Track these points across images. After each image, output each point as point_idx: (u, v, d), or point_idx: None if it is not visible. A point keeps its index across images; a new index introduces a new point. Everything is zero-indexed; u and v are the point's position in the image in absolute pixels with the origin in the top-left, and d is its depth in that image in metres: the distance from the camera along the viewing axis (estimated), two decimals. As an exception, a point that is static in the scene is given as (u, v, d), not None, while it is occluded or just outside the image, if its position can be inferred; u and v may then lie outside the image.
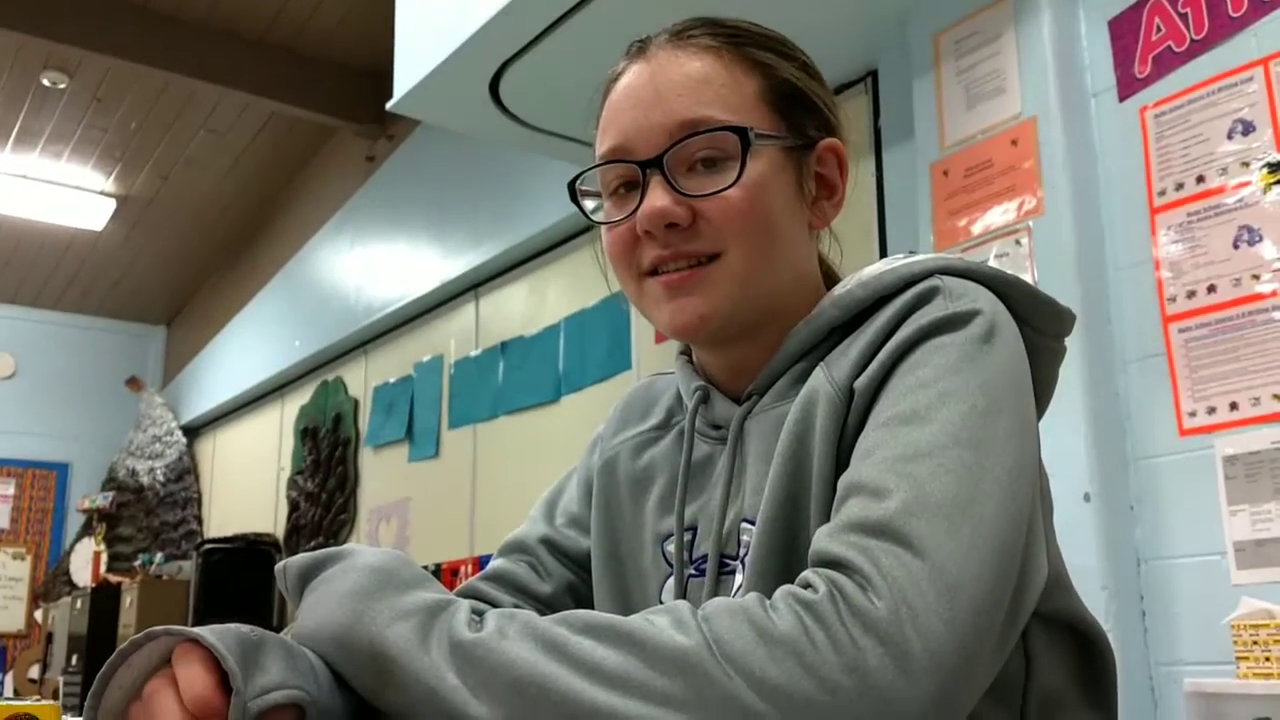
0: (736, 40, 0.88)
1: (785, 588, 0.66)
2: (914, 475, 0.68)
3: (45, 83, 5.08)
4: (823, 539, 0.68)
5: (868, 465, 0.71)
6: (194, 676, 0.62)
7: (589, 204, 0.92)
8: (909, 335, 0.77)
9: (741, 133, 0.83)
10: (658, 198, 0.83)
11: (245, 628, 0.66)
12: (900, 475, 0.68)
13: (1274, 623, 1.68)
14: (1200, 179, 2.00)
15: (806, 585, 0.65)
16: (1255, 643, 1.68)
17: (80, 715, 0.65)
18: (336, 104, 5.07)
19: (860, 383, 0.78)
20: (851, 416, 0.77)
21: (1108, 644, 0.86)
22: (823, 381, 0.80)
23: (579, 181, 0.91)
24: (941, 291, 0.79)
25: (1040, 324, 0.83)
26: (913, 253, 0.88)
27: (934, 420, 0.71)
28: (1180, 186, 2.02)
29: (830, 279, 0.92)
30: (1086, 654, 0.85)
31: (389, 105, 2.81)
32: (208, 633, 0.63)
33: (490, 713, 0.64)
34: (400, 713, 0.68)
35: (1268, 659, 1.66)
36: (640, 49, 0.90)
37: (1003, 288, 0.81)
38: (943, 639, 0.62)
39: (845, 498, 0.70)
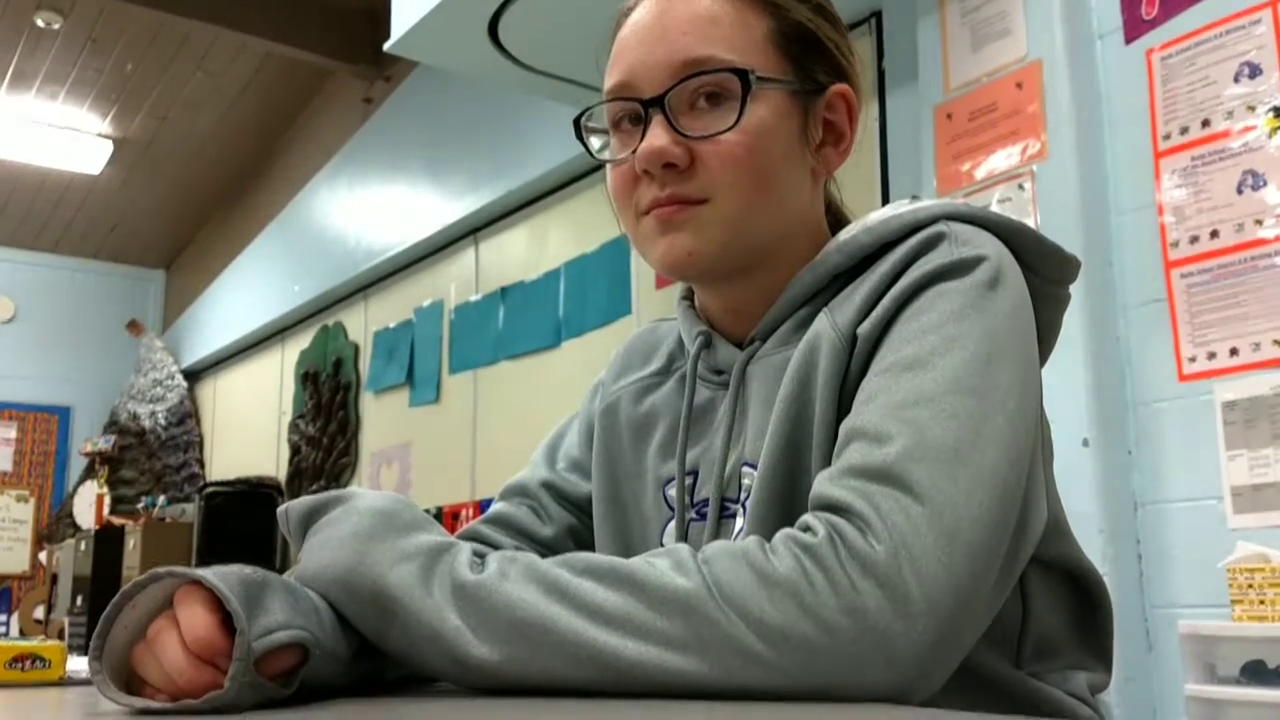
0: None
1: (785, 531, 0.66)
2: (915, 421, 0.68)
3: (39, 23, 5.02)
4: (823, 483, 0.68)
5: (869, 411, 0.71)
6: (196, 617, 0.63)
7: (595, 142, 0.91)
8: (913, 281, 0.77)
9: (743, 75, 0.81)
10: (657, 137, 0.82)
11: (248, 569, 0.66)
12: (902, 421, 0.68)
13: (1269, 567, 1.69)
14: (1205, 123, 1.98)
15: (806, 529, 0.66)
16: (1250, 586, 1.69)
17: (85, 655, 0.65)
18: (333, 45, 5.02)
19: (863, 329, 0.77)
20: (854, 362, 0.77)
21: (1104, 589, 0.87)
22: (826, 327, 0.80)
23: (585, 118, 0.90)
24: (947, 237, 0.78)
25: (1045, 270, 0.83)
26: (916, 198, 0.87)
27: (936, 366, 0.71)
28: (1185, 130, 2.01)
29: (840, 224, 0.92)
30: (1083, 599, 0.86)
31: (386, 46, 2.78)
32: (210, 574, 0.64)
33: (492, 653, 0.65)
34: (403, 654, 0.69)
35: (1262, 602, 1.68)
36: None
37: (1008, 234, 0.81)
38: (941, 582, 0.62)
39: (846, 443, 0.70)
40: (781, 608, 0.61)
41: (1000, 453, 0.68)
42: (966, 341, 0.72)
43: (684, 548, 0.66)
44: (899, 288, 0.77)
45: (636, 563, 0.66)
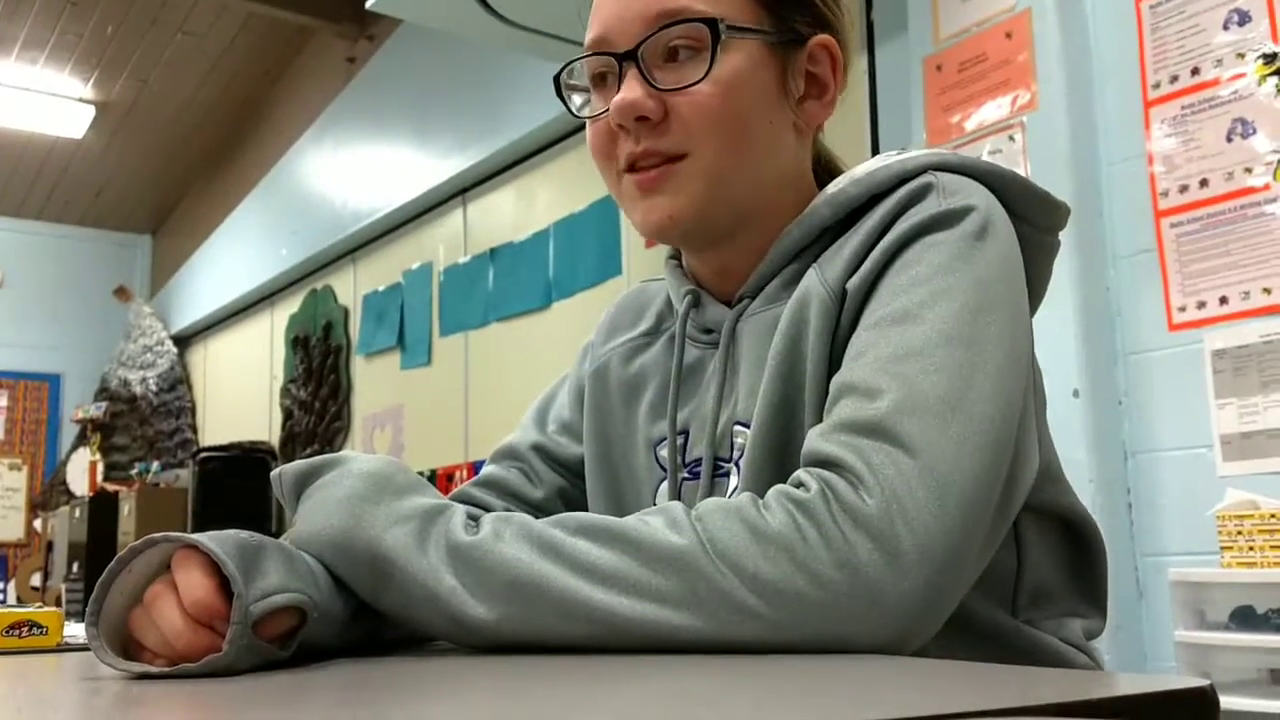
0: None
1: (778, 487, 0.67)
2: (905, 375, 0.68)
3: (16, -14, 4.96)
4: (815, 439, 0.69)
5: (860, 366, 0.71)
6: (194, 581, 0.63)
7: (576, 99, 0.90)
8: (902, 233, 0.76)
9: (711, 23, 0.80)
10: (630, 90, 0.81)
11: (244, 533, 0.66)
12: (892, 375, 0.68)
13: (1258, 513, 1.71)
14: (1195, 71, 1.97)
15: (799, 484, 0.66)
16: (1239, 533, 1.71)
17: (82, 621, 0.66)
18: (315, 3, 4.96)
19: (853, 283, 0.77)
20: (844, 317, 0.77)
21: (1099, 535, 0.88)
22: (815, 283, 0.79)
23: (565, 75, 0.89)
24: (935, 188, 0.78)
25: (1035, 218, 0.83)
26: (904, 149, 0.86)
27: (925, 319, 0.71)
28: (1175, 79, 2.00)
29: (833, 178, 0.91)
30: (1078, 546, 0.87)
31: (369, 4, 2.75)
32: (206, 538, 0.64)
33: (488, 612, 0.65)
34: (400, 615, 0.69)
35: (1251, 548, 1.69)
36: None
37: (997, 183, 0.80)
38: (933, 534, 0.63)
39: (837, 398, 0.70)
40: (775, 563, 0.62)
41: (991, 404, 0.68)
42: (955, 293, 0.72)
43: (677, 505, 0.66)
44: (887, 240, 0.76)
45: (630, 521, 0.66)
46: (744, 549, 0.62)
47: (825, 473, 0.66)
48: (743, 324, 0.86)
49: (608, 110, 0.83)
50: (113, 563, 0.64)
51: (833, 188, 0.85)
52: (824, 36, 0.87)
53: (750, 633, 0.62)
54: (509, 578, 0.65)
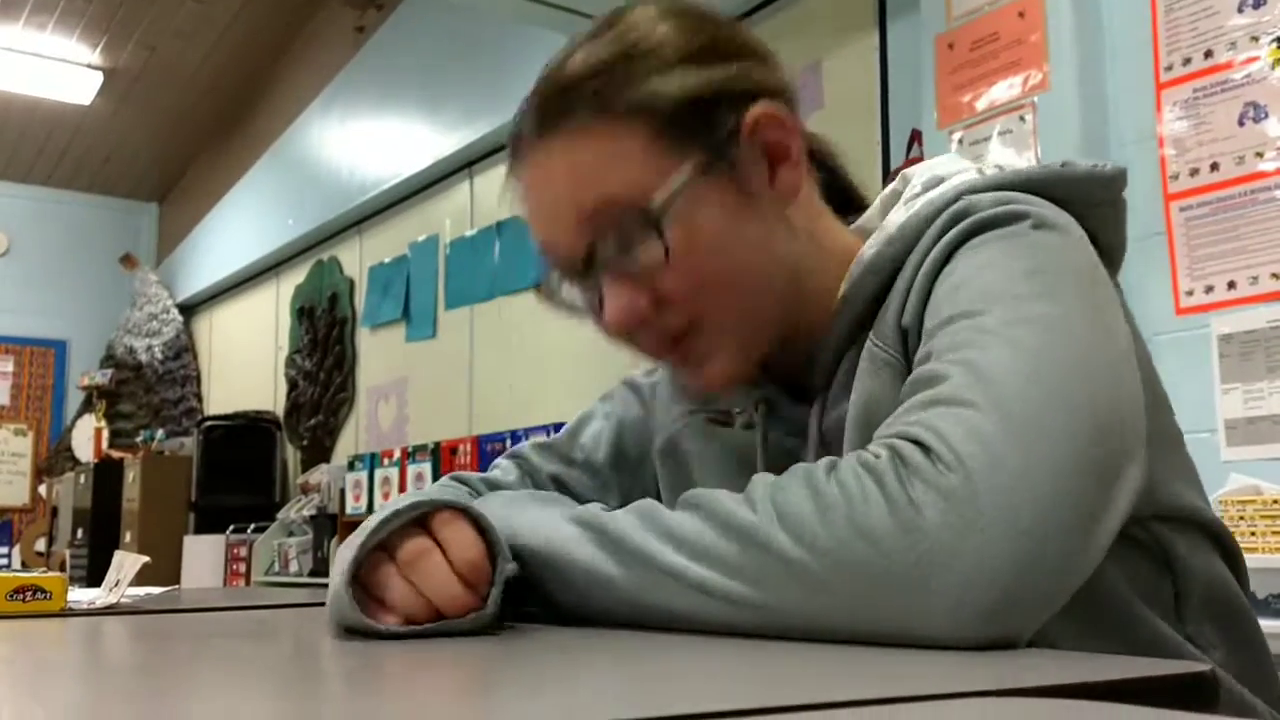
0: (601, 95, 0.75)
1: (851, 454, 0.62)
2: (966, 359, 0.63)
3: (24, -50, 4.93)
4: (884, 426, 0.65)
5: (922, 367, 0.66)
6: (468, 540, 0.65)
7: (564, 289, 0.85)
8: (940, 253, 0.72)
9: (641, 213, 0.74)
10: (612, 304, 0.77)
11: (458, 491, 0.70)
12: (951, 363, 0.64)
13: (1261, 499, 1.71)
14: (1208, 54, 1.96)
15: (872, 453, 0.61)
16: (1242, 518, 1.71)
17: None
18: (325, -27, 4.93)
19: (907, 320, 0.73)
20: (910, 352, 0.72)
21: (1239, 549, 0.85)
22: (875, 352, 0.75)
23: (543, 286, 0.85)
24: (970, 210, 0.73)
25: (1091, 196, 0.78)
26: (926, 187, 0.79)
27: (978, 312, 0.66)
28: (1188, 61, 1.99)
29: (849, 200, 0.87)
30: (1229, 560, 0.83)
31: (379, -26, 2.73)
32: (476, 503, 0.67)
33: (615, 572, 0.65)
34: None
35: (1253, 534, 1.69)
36: (516, 149, 0.81)
37: (1038, 186, 0.76)
38: (1018, 496, 0.56)
39: (905, 395, 0.66)
40: (832, 526, 0.57)
41: (1074, 380, 0.62)
42: (1004, 287, 0.67)
43: (759, 479, 0.64)
44: (929, 264, 0.72)
45: (709, 492, 0.65)
46: (806, 515, 0.59)
47: (894, 440, 0.61)
48: (827, 419, 0.80)
49: (594, 298, 0.81)
50: (376, 525, 0.65)
51: (869, 249, 0.78)
52: (756, 110, 0.76)
53: (816, 607, 0.58)
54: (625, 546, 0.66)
